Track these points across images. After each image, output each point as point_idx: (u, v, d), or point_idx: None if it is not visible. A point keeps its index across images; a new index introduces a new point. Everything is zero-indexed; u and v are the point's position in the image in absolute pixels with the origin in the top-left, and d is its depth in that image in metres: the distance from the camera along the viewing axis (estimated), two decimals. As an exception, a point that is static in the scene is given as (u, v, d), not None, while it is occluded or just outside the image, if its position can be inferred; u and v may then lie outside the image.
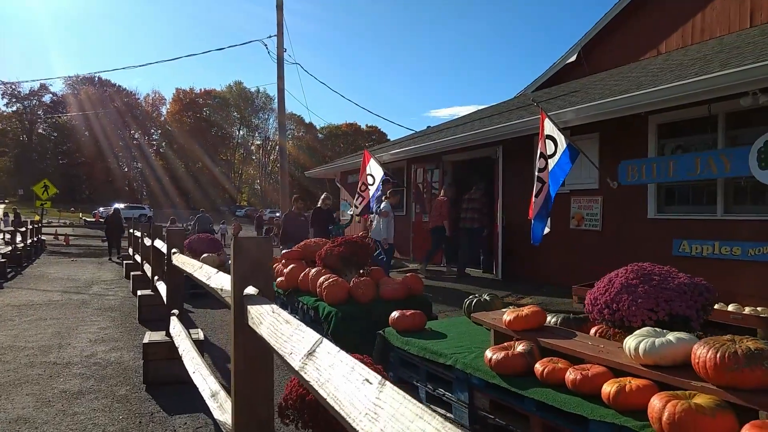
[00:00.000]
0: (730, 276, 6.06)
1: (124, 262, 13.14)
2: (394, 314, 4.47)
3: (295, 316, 5.50)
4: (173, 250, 4.62)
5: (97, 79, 76.54)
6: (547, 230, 6.88)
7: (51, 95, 76.08)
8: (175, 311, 4.65)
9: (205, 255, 9.36)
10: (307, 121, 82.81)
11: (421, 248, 11.43)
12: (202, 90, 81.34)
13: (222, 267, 9.62)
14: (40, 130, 75.10)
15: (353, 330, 5.39)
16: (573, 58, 11.93)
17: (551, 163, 6.82)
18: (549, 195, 6.78)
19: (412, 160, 11.84)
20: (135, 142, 78.06)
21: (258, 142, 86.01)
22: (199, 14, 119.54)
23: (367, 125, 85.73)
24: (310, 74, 37.08)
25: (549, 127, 6.87)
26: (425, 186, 11.87)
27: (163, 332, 4.79)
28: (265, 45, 18.62)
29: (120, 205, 49.54)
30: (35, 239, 19.93)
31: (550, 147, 6.84)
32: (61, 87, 76.47)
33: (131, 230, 14.95)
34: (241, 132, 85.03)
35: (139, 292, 7.50)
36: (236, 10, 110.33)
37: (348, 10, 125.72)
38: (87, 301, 8.90)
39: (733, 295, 5.01)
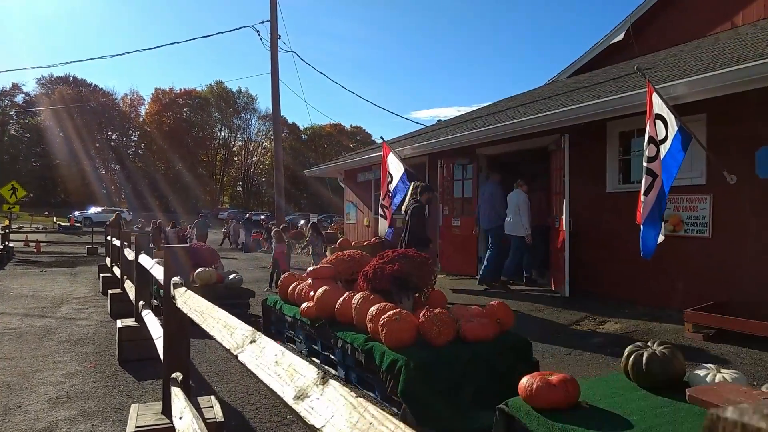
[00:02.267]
0: None
1: (101, 275, 11.29)
2: (529, 382, 2.82)
3: (329, 357, 3.65)
4: (174, 280, 2.93)
5: (72, 78, 73.86)
6: (661, 238, 5.31)
7: (24, 95, 73.07)
8: (178, 375, 2.96)
9: (199, 270, 7.64)
10: (290, 121, 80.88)
11: (452, 257, 9.81)
12: (182, 90, 78.83)
13: (220, 284, 7.90)
14: (12, 131, 71.82)
15: (433, 388, 3.75)
16: (620, 38, 10.45)
17: (662, 150, 5.25)
18: (663, 192, 5.21)
19: (438, 154, 10.20)
20: (112, 143, 75.36)
21: (240, 143, 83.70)
22: (185, 13, 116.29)
23: (351, 125, 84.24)
24: (308, 63, 34.89)
25: (658, 105, 5.30)
26: (453, 183, 10.26)
27: (159, 406, 3.11)
28: (257, 31, 16.93)
29: (97, 209, 47.40)
30: (2, 246, 17.94)
31: (660, 130, 5.26)
32: (35, 87, 73.60)
33: (108, 237, 13.13)
34: (223, 133, 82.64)
35: (119, 323, 5.75)
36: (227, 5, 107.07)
37: (320, 12, 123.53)
38: (53, 329, 7.12)
39: None
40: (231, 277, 7.89)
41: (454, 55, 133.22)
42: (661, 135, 5.23)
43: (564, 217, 7.39)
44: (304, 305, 5.41)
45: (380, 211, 9.96)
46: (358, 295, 4.69)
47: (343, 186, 15.09)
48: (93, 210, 47.09)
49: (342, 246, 11.98)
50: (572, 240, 7.44)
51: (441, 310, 4.13)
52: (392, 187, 9.17)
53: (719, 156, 5.83)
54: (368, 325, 4.32)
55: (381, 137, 10.06)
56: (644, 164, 5.29)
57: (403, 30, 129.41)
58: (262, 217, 43.57)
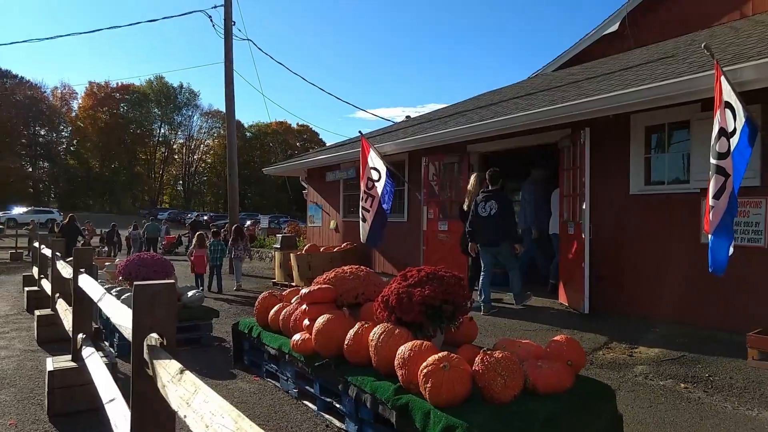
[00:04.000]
0: None
1: (26, 288, 9.69)
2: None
3: (333, 404, 2.41)
4: (152, 337, 1.77)
5: (-6, 69, 68.80)
6: (731, 250, 4.46)
7: (-62, 86, 67.40)
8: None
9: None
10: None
11: (438, 265, 8.79)
12: (119, 84, 74.74)
13: (178, 302, 6.60)
14: (-75, 124, 66.21)
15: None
16: (614, 28, 9.78)
17: (731, 145, 4.42)
18: (733, 194, 4.36)
19: (422, 152, 9.15)
20: (41, 139, 70.62)
21: (181, 141, 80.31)
22: (128, 4, 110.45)
23: (298, 124, 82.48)
24: (265, 53, 33.11)
25: (727, 91, 4.46)
26: (439, 184, 9.26)
27: None
28: (210, 17, 15.51)
29: (22, 209, 43.83)
30: None
31: (729, 121, 4.42)
32: (-49, 77, 68.06)
33: (36, 244, 11.44)
34: (163, 130, 79.11)
35: (50, 363, 4.38)
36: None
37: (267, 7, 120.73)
38: (-38, 364, 5.65)
39: None
40: (190, 294, 6.60)
41: (394, 56, 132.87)
42: (730, 127, 4.40)
43: (583, 222, 6.46)
44: (296, 337, 4.27)
45: (361, 214, 8.87)
46: (377, 329, 3.60)
47: (305, 185, 13.83)
48: (17, 210, 43.52)
49: (310, 253, 10.75)
50: (594, 250, 6.52)
51: (503, 354, 3.09)
52: (380, 185, 8.09)
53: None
54: (398, 372, 3.25)
55: (359, 131, 9.00)
56: (713, 161, 4.42)
57: (337, 27, 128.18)
58: (205, 217, 41.39)
